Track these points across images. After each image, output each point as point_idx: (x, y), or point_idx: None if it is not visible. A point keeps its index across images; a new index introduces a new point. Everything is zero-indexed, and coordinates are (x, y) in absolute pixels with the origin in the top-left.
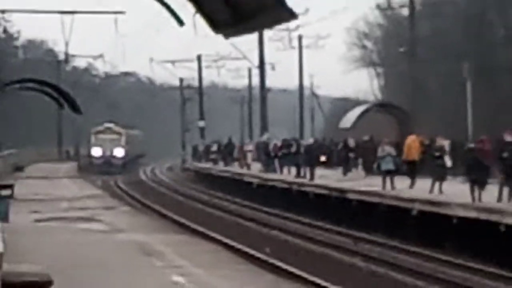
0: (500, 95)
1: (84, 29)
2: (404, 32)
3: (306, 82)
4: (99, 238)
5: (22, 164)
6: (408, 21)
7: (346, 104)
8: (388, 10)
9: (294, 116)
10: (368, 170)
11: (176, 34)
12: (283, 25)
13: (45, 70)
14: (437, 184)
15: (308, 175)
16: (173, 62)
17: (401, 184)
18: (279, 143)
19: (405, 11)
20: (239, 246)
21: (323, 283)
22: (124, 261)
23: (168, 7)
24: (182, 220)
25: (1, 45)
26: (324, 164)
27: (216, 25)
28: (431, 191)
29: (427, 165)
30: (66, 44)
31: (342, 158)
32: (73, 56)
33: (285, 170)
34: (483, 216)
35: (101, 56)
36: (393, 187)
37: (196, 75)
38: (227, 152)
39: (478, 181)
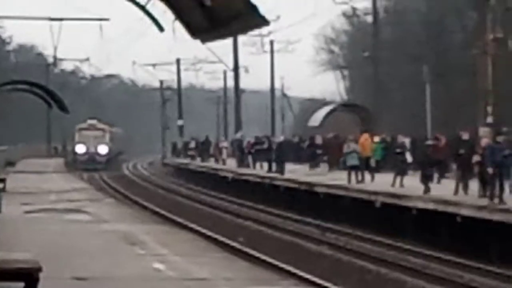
0: (457, 96)
1: (71, 35)
2: (368, 38)
3: (277, 84)
4: (85, 228)
5: (13, 159)
6: (372, 27)
7: (314, 104)
8: (353, 17)
9: (266, 116)
10: (334, 166)
11: (156, 39)
12: (256, 31)
13: (35, 73)
14: (398, 178)
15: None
16: (154, 65)
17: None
18: (252, 141)
19: (369, 18)
20: (215, 236)
21: (293, 270)
22: (108, 249)
23: (149, 14)
24: (162, 212)
25: None
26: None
27: (194, 30)
28: (393, 184)
29: (389, 160)
30: (55, 48)
31: (309, 154)
32: (61, 59)
33: (258, 165)
34: (441, 208)
35: (87, 59)
36: (360, 181)
37: (175, 77)
38: (204, 148)
39: (427, 175)
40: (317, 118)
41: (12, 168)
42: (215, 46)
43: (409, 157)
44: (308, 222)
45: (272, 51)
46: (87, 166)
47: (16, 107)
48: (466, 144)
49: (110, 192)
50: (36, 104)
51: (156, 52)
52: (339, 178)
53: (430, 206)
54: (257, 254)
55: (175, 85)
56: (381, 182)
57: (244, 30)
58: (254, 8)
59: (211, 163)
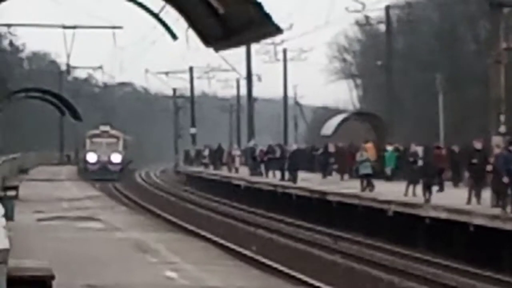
0: (469, 104)
1: (85, 42)
2: (381, 46)
3: (290, 92)
4: (98, 235)
5: (25, 167)
6: (385, 36)
7: (327, 112)
8: (366, 26)
9: (279, 124)
10: (344, 174)
11: (170, 47)
12: (269, 39)
13: (48, 80)
14: (411, 187)
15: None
16: (166, 73)
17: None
18: (264, 149)
19: (382, 27)
20: (228, 244)
21: (304, 278)
22: (120, 257)
23: (162, 22)
24: (175, 220)
25: (7, 56)
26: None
27: (207, 39)
28: (405, 193)
29: (402, 169)
30: (68, 56)
31: (322, 163)
32: (74, 67)
33: (270, 173)
34: (454, 217)
35: (100, 67)
36: (371, 189)
37: (188, 85)
38: (217, 156)
39: (428, 184)
40: (330, 127)
41: (24, 175)
42: (228, 54)
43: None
44: (320, 230)
45: (285, 60)
46: (99, 176)
47: (29, 115)
48: (479, 153)
49: (122, 200)
50: (49, 112)
51: (169, 60)
52: (352, 186)
53: (443, 215)
54: (269, 263)
55: (188, 93)
56: (395, 191)
57: (257, 39)
58: (267, 16)
59: (224, 171)
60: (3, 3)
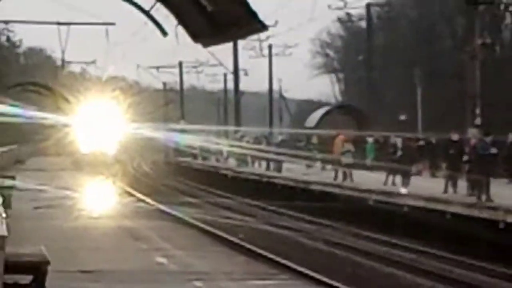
0: (447, 98)
1: (79, 38)
2: (362, 43)
3: (275, 86)
4: (90, 223)
5: (22, 158)
6: (366, 32)
7: (310, 105)
8: (348, 22)
9: (265, 116)
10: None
11: (160, 42)
12: (255, 36)
13: (44, 75)
14: (391, 177)
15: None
16: (157, 67)
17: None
18: (251, 140)
19: (363, 24)
20: (214, 231)
21: (288, 263)
22: (113, 244)
23: (153, 19)
24: (164, 208)
25: (4, 52)
26: None
27: (196, 35)
28: (385, 183)
29: (382, 160)
30: (63, 51)
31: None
32: (69, 62)
33: (256, 164)
34: (431, 205)
35: (93, 62)
36: (351, 179)
37: (178, 79)
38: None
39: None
40: (313, 119)
41: (21, 165)
42: (216, 49)
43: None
44: (304, 218)
45: (270, 55)
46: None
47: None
48: (456, 144)
49: (114, 189)
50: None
51: (160, 55)
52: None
53: (421, 203)
54: (255, 249)
55: (177, 87)
56: (375, 181)
57: (244, 35)
58: (253, 14)
59: (212, 162)
60: (1, 2)
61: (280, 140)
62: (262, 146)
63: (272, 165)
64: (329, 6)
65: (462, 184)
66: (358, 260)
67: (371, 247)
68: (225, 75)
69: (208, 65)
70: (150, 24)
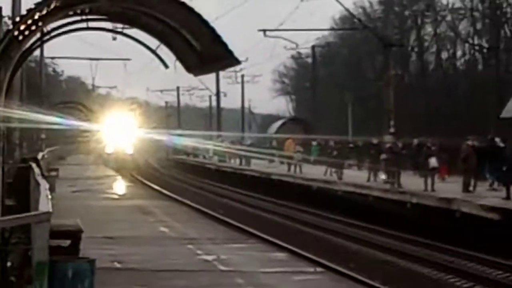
0: (369, 113)
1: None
2: (308, 73)
3: (246, 104)
4: (113, 203)
5: (63, 155)
6: (311, 66)
7: (271, 118)
8: (298, 59)
9: (238, 126)
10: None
11: (163, 72)
12: (232, 68)
13: (79, 96)
14: (329, 170)
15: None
16: (161, 91)
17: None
18: (229, 144)
19: (309, 60)
20: (202, 208)
21: (250, 229)
22: (129, 217)
23: (158, 56)
24: (166, 192)
25: (51, 79)
26: None
27: (189, 67)
28: (325, 174)
29: (325, 157)
30: (93, 78)
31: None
32: (98, 87)
33: (232, 160)
34: (358, 190)
35: (115, 87)
36: (300, 171)
37: (176, 99)
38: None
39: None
40: (273, 128)
41: (62, 161)
42: (203, 78)
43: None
44: (266, 199)
45: (242, 82)
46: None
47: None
48: (376, 146)
49: (130, 178)
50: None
51: (163, 82)
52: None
53: (351, 189)
54: (231, 221)
55: (175, 105)
56: (318, 173)
57: (223, 68)
58: (230, 52)
59: (200, 159)
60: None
61: (250, 143)
62: (237, 147)
63: (243, 161)
64: (285, 47)
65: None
66: (303, 229)
67: (313, 220)
68: (210, 96)
69: (198, 89)
70: (156, 59)
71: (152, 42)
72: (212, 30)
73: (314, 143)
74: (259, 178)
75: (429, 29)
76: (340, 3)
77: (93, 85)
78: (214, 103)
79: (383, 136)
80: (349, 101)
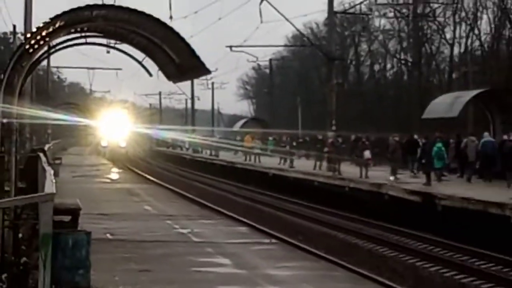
0: (315, 114)
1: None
2: (266, 81)
3: (215, 106)
4: (106, 186)
5: (65, 147)
6: (269, 75)
7: (236, 118)
8: (258, 70)
9: (209, 124)
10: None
11: (148, 79)
12: (204, 77)
13: (79, 98)
14: (283, 160)
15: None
16: (146, 95)
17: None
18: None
19: (267, 70)
20: (178, 190)
21: (218, 208)
22: (119, 198)
23: (143, 66)
24: (149, 177)
25: (56, 84)
26: None
27: (169, 75)
28: (279, 163)
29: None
30: (90, 84)
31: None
32: (94, 91)
33: (204, 151)
34: (306, 176)
35: (108, 91)
36: (259, 161)
37: (158, 101)
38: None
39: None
40: (237, 125)
41: (65, 151)
42: (180, 85)
43: (288, 148)
44: (232, 184)
45: (212, 88)
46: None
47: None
48: (320, 141)
49: (120, 166)
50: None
51: (148, 87)
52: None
53: (300, 176)
54: (203, 201)
55: (158, 106)
56: (274, 162)
57: (197, 76)
58: (202, 63)
59: (178, 151)
60: (54, 55)
61: (218, 138)
62: (208, 139)
63: (213, 152)
64: (247, 60)
65: (324, 164)
66: (261, 208)
67: (269, 201)
68: (186, 99)
69: (176, 94)
70: (142, 69)
71: (139, 55)
72: (188, 46)
73: (270, 138)
74: (226, 166)
75: (364, 46)
76: (293, 25)
77: (90, 90)
78: (189, 105)
79: (326, 132)
80: (299, 104)
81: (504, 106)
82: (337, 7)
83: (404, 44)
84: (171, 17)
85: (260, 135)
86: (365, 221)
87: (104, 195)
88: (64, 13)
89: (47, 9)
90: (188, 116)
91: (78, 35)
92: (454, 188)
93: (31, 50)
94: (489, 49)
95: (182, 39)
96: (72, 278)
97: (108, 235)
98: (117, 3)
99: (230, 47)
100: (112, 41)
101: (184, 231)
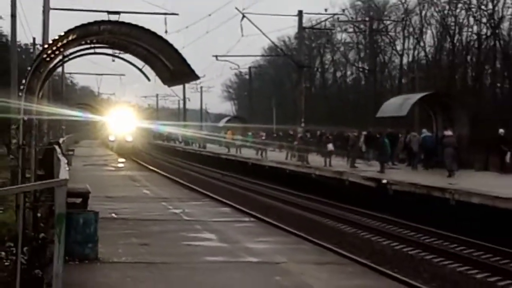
0: (288, 113)
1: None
2: (246, 85)
3: (204, 107)
4: (111, 173)
5: (77, 140)
6: (248, 81)
7: (221, 116)
8: (240, 76)
9: (198, 121)
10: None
11: (147, 83)
12: (194, 82)
13: (89, 99)
14: (259, 152)
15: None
16: (145, 96)
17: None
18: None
19: (247, 76)
20: (172, 177)
21: (205, 192)
22: (122, 183)
23: (143, 72)
24: (148, 166)
25: (69, 88)
26: None
27: (164, 80)
28: (256, 154)
29: (256, 143)
30: (98, 88)
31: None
32: (101, 93)
33: (194, 145)
34: (279, 165)
35: (114, 94)
36: (240, 152)
37: (155, 102)
38: (168, 136)
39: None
40: (222, 122)
41: (77, 144)
42: (174, 88)
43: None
44: (216, 171)
45: (201, 91)
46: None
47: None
48: (291, 135)
49: (125, 157)
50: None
51: (147, 90)
52: (233, 151)
53: (274, 164)
54: (193, 186)
55: (155, 106)
56: (252, 153)
57: (188, 81)
58: (192, 70)
59: (172, 144)
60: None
61: (206, 132)
62: (198, 132)
63: (201, 144)
64: (230, 67)
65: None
66: (241, 192)
67: (248, 185)
68: (178, 100)
69: (171, 96)
70: (142, 75)
71: (139, 63)
72: (180, 55)
73: (249, 133)
74: (212, 156)
75: (328, 56)
76: (268, 38)
77: (98, 92)
78: (181, 105)
79: (296, 128)
80: (274, 105)
81: (444, 107)
82: (305, 23)
83: (362, 54)
84: (166, 31)
85: (241, 130)
86: (328, 203)
87: (109, 181)
88: (76, 27)
89: (62, 23)
90: (181, 115)
91: (87, 46)
92: (402, 175)
93: (48, 59)
94: (433, 59)
95: (175, 50)
96: (82, 251)
97: (113, 214)
98: (121, 19)
99: (216, 56)
100: (117, 51)
101: (177, 211)
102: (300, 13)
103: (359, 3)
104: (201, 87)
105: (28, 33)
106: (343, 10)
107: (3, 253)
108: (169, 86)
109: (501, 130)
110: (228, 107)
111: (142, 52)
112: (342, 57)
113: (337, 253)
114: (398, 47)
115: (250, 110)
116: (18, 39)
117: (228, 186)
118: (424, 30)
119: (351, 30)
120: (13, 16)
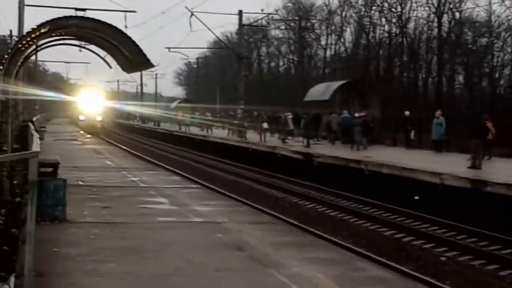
0: (229, 97)
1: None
2: (195, 73)
3: (158, 91)
4: (78, 147)
5: (49, 118)
6: (196, 69)
7: (173, 99)
8: (189, 65)
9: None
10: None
11: (109, 71)
12: (150, 69)
13: (59, 84)
14: (206, 129)
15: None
16: (107, 81)
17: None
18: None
19: (195, 66)
20: (131, 150)
21: (159, 163)
22: (88, 156)
23: (105, 61)
24: (110, 140)
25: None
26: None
27: (124, 67)
28: (202, 131)
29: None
30: (67, 74)
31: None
32: (70, 78)
33: (150, 123)
34: (222, 141)
35: (80, 79)
36: (189, 130)
37: (116, 87)
38: (128, 115)
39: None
40: (173, 104)
41: (48, 122)
42: (133, 74)
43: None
44: (169, 146)
45: (156, 77)
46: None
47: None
48: (232, 116)
49: (90, 133)
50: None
51: (109, 76)
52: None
53: (218, 140)
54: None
55: (117, 90)
56: (199, 132)
57: (145, 68)
58: (148, 60)
59: (131, 122)
60: (40, 51)
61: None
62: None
63: (156, 123)
64: (181, 58)
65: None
66: (190, 163)
67: (196, 158)
68: (137, 86)
69: (130, 81)
70: (104, 63)
71: (102, 52)
72: (137, 47)
73: (197, 113)
74: (165, 133)
75: (264, 49)
76: (214, 33)
77: (67, 78)
78: (139, 90)
79: (236, 109)
80: (218, 91)
81: (360, 93)
82: (245, 21)
83: (292, 48)
84: (126, 26)
85: (190, 110)
86: (264, 172)
87: (77, 153)
88: (47, 21)
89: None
90: (138, 97)
91: (58, 37)
92: (324, 150)
93: (23, 48)
94: (351, 53)
95: (134, 42)
96: (53, 213)
97: (79, 182)
98: (86, 15)
99: (169, 48)
100: (83, 43)
101: (135, 179)
102: (240, 12)
103: (290, 4)
104: (156, 74)
105: (6, 26)
106: (277, 10)
107: None
108: (128, 72)
109: (406, 112)
110: (179, 92)
111: (105, 43)
112: (275, 50)
113: (270, 214)
114: (323, 42)
115: (197, 94)
116: None
117: (179, 158)
118: (344, 28)
119: (283, 27)
120: None
